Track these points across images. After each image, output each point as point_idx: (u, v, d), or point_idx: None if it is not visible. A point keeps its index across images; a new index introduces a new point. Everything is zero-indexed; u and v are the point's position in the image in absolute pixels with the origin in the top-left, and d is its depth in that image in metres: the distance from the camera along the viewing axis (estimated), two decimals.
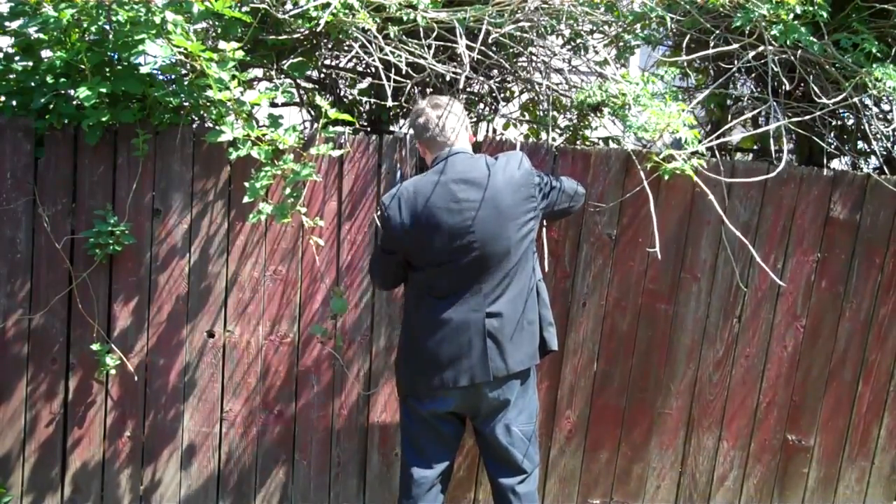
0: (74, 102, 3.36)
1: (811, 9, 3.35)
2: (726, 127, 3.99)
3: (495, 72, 3.89)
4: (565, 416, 3.73)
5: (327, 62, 4.01)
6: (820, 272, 3.74)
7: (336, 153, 3.36)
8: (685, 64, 3.79)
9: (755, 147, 4.51)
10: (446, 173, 2.96)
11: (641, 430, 3.79)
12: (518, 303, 2.96)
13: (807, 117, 3.54)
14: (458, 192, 2.92)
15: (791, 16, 3.32)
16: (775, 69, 3.42)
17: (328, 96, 4.15)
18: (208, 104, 3.25)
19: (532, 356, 3.02)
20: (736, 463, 3.88)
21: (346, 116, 3.27)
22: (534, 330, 3.03)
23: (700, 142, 3.19)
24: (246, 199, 3.21)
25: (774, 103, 3.48)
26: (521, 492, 3.06)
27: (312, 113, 4.04)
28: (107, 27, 3.29)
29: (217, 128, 3.17)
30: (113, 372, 3.48)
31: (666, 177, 3.20)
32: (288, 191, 3.23)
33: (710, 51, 3.48)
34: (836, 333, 3.82)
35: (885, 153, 4.11)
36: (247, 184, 3.19)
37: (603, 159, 3.55)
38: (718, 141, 3.48)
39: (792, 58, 3.48)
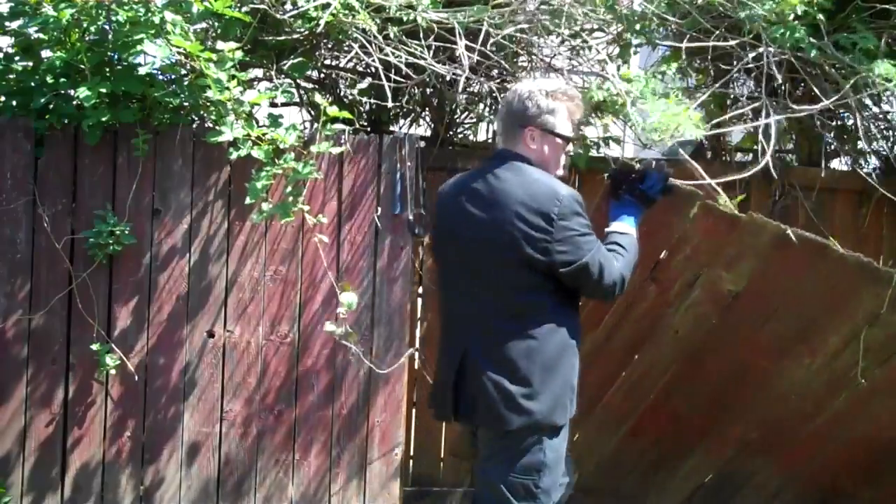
0: (74, 102, 3.35)
1: (812, 10, 3.35)
2: (720, 119, 3.97)
3: (495, 72, 3.89)
4: None
5: (327, 62, 4.01)
6: None
7: (336, 150, 3.35)
8: (685, 64, 3.79)
9: (755, 147, 4.51)
10: (473, 175, 2.72)
11: None
12: None
13: (804, 114, 3.53)
14: (466, 205, 2.66)
15: (792, 16, 3.32)
16: (772, 71, 3.41)
17: (328, 96, 4.15)
18: (208, 104, 3.25)
19: None
20: None
21: (346, 114, 3.26)
22: None
23: (702, 141, 3.18)
24: (248, 200, 3.20)
25: (767, 101, 3.47)
26: None
27: (312, 113, 4.04)
28: (106, 27, 3.29)
29: (217, 128, 3.17)
30: (113, 372, 3.48)
31: None
32: (289, 189, 3.22)
33: (710, 42, 3.47)
34: None
35: (885, 153, 4.10)
36: (248, 184, 3.19)
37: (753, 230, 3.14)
38: (717, 131, 3.46)
39: (792, 58, 3.48)
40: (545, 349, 2.58)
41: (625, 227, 2.77)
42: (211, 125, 3.43)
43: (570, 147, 2.72)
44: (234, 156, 3.15)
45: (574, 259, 2.53)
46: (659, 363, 3.44)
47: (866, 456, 3.52)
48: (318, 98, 3.28)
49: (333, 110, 3.21)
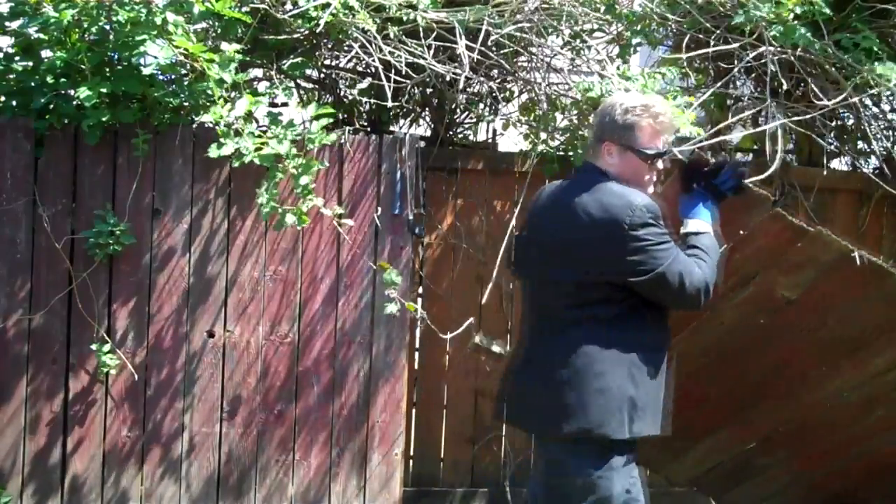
0: (74, 102, 3.35)
1: (811, 9, 3.35)
2: (723, 125, 3.98)
3: (495, 72, 3.89)
4: None
5: (327, 62, 4.01)
6: None
7: (330, 139, 3.29)
8: (685, 64, 3.79)
9: (755, 147, 4.51)
10: (558, 186, 2.68)
11: None
12: None
13: (806, 116, 3.54)
14: (545, 215, 2.67)
15: (791, 16, 3.32)
16: (774, 69, 3.42)
17: (328, 96, 4.15)
18: (208, 103, 3.24)
19: None
20: None
21: (328, 109, 3.23)
22: None
23: (701, 140, 3.18)
24: (263, 214, 3.14)
25: (773, 103, 3.48)
26: None
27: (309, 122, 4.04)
28: (107, 27, 3.29)
29: (218, 140, 3.12)
30: (113, 372, 3.48)
31: None
32: (299, 189, 3.16)
33: (710, 49, 3.48)
34: None
35: (884, 153, 4.10)
36: (259, 199, 3.14)
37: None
38: (717, 139, 3.47)
39: (792, 58, 3.48)
40: (601, 361, 2.50)
41: (701, 224, 2.66)
42: (211, 125, 3.43)
43: (661, 163, 2.61)
44: (236, 164, 3.12)
45: (648, 269, 2.45)
46: (697, 347, 3.43)
47: (883, 471, 3.54)
48: (295, 104, 3.25)
49: (323, 108, 3.20)
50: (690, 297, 2.51)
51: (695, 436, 3.64)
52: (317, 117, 3.24)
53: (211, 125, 3.42)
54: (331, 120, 3.31)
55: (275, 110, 3.62)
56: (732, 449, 3.68)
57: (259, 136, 3.14)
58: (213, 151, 3.10)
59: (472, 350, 3.44)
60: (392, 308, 3.29)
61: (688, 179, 2.78)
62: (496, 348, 3.33)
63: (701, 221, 2.66)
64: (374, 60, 3.45)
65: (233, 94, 3.16)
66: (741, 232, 2.96)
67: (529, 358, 2.64)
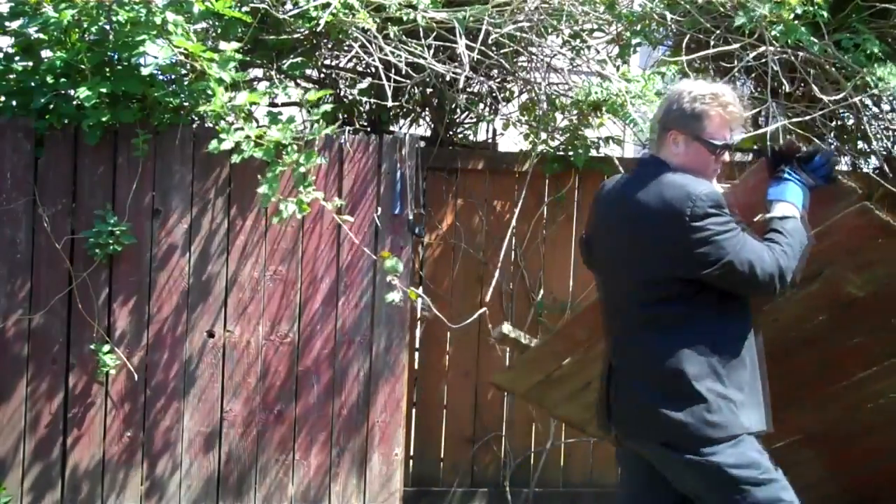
0: (74, 102, 3.36)
1: (811, 9, 3.35)
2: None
3: (495, 72, 3.89)
4: None
5: (327, 62, 4.01)
6: None
7: (329, 130, 3.26)
8: (685, 64, 3.79)
9: (755, 147, 4.51)
10: (620, 182, 2.57)
11: None
12: None
13: (807, 117, 3.54)
14: (609, 213, 2.55)
15: (791, 16, 3.32)
16: (775, 69, 3.41)
17: (328, 96, 4.15)
18: (207, 104, 3.24)
19: None
20: None
21: (328, 91, 3.22)
22: None
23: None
24: (262, 205, 3.14)
25: (773, 103, 3.48)
26: None
27: (310, 112, 4.04)
28: (107, 27, 3.30)
29: (216, 129, 3.14)
30: (113, 372, 3.48)
31: None
32: (297, 180, 3.15)
33: (711, 51, 3.48)
34: None
35: (885, 153, 4.10)
36: (259, 190, 3.15)
37: None
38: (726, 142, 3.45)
39: (792, 58, 3.48)
40: (685, 358, 2.39)
41: (787, 208, 2.53)
42: (211, 125, 3.43)
43: (727, 156, 2.54)
44: (236, 159, 3.12)
45: (715, 259, 2.35)
46: None
47: None
48: (296, 93, 3.23)
49: (314, 94, 3.20)
50: (764, 283, 2.40)
51: None
52: (317, 103, 3.22)
53: (211, 125, 3.42)
54: (332, 105, 3.30)
55: (275, 110, 3.63)
56: (765, 439, 3.62)
57: (259, 129, 3.15)
58: (213, 145, 3.11)
59: (499, 340, 3.34)
60: (394, 296, 3.25)
61: (776, 164, 2.65)
62: (525, 339, 3.24)
63: (789, 205, 2.54)
64: (374, 60, 3.45)
65: (235, 97, 3.16)
66: (824, 223, 2.86)
67: (619, 365, 2.51)
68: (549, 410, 3.71)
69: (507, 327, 3.24)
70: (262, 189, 3.11)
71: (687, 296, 2.41)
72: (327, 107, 3.26)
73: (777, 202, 2.55)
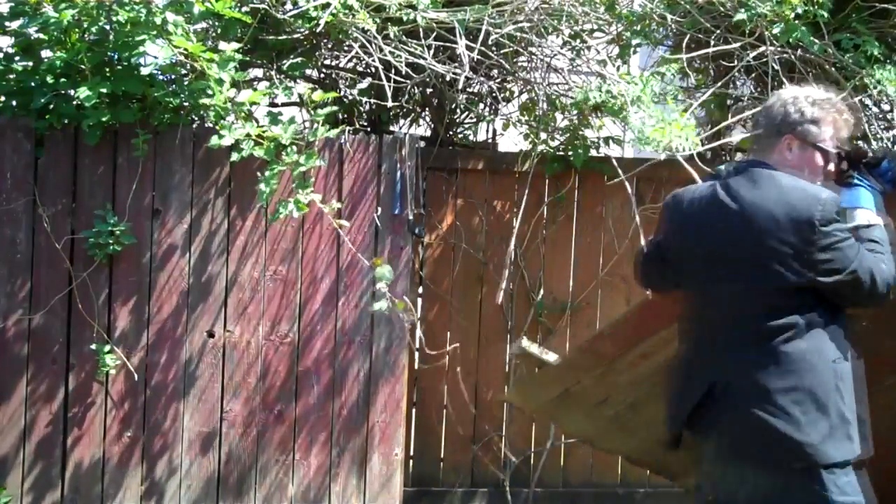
0: (74, 102, 3.36)
1: (812, 9, 3.35)
2: (723, 125, 3.98)
3: (495, 72, 3.89)
4: None
5: (327, 62, 4.01)
6: None
7: (333, 133, 3.27)
8: (685, 64, 3.79)
9: (755, 147, 4.51)
10: (715, 189, 2.40)
11: None
12: None
13: None
14: (710, 223, 2.40)
15: (792, 15, 3.32)
16: (775, 69, 3.41)
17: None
18: (208, 106, 3.24)
19: None
20: None
21: (333, 94, 3.21)
22: None
23: (700, 145, 3.16)
24: (260, 202, 3.14)
25: None
26: None
27: (312, 112, 4.05)
28: (107, 27, 3.30)
29: (216, 128, 3.15)
30: (113, 372, 3.48)
31: None
32: (296, 183, 3.15)
33: (710, 49, 3.47)
34: None
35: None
36: (259, 186, 3.15)
37: None
38: (718, 143, 3.46)
39: (792, 58, 3.48)
40: (801, 374, 2.28)
41: (868, 215, 2.43)
42: (211, 124, 3.43)
43: (832, 165, 2.43)
44: (235, 157, 3.12)
45: (841, 268, 2.25)
46: None
47: None
48: (302, 88, 3.23)
49: (319, 94, 3.20)
50: (881, 294, 2.30)
51: None
52: (321, 104, 3.22)
53: (211, 125, 3.42)
54: (335, 108, 3.30)
55: (275, 110, 3.63)
56: None
57: (259, 128, 3.15)
58: (214, 141, 3.11)
59: (517, 356, 3.28)
60: (381, 305, 3.19)
61: (844, 171, 2.56)
62: (549, 357, 3.11)
63: (868, 212, 2.45)
64: (374, 60, 3.45)
65: (234, 95, 3.16)
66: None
67: (729, 380, 2.35)
68: (561, 427, 3.69)
69: (525, 342, 3.16)
70: (260, 186, 3.11)
71: (797, 309, 2.29)
72: (331, 108, 3.25)
73: (854, 209, 2.46)
